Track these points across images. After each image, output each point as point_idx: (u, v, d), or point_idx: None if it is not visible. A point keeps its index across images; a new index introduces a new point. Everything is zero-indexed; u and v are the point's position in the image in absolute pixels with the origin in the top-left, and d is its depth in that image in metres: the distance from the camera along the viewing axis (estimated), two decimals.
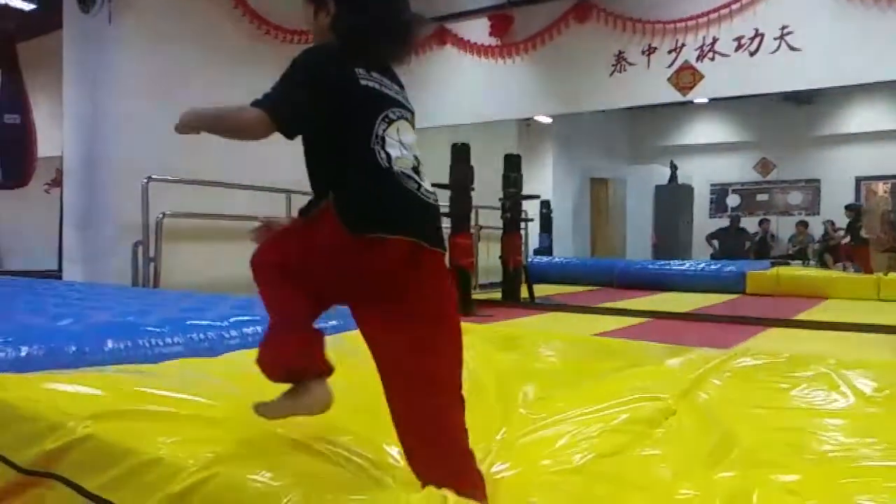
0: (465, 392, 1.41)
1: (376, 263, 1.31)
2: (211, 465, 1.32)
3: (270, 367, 1.41)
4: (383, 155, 1.34)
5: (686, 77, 6.32)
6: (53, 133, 6.55)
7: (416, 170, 1.38)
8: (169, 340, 2.46)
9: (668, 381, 2.24)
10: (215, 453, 1.36)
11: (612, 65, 6.67)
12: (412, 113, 1.49)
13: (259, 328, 2.97)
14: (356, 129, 1.36)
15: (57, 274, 6.73)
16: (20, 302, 3.30)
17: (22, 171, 6.14)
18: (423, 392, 1.34)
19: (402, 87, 1.50)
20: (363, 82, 1.39)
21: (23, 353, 2.13)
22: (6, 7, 6.82)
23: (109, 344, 2.32)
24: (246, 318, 3.02)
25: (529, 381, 2.30)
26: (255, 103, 1.34)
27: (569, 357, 2.78)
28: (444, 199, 6.53)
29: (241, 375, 1.94)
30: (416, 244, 1.32)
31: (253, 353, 1.45)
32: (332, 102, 1.36)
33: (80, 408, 1.59)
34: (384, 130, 1.37)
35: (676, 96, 6.47)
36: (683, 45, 6.32)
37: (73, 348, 2.22)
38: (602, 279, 9.34)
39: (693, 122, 13.03)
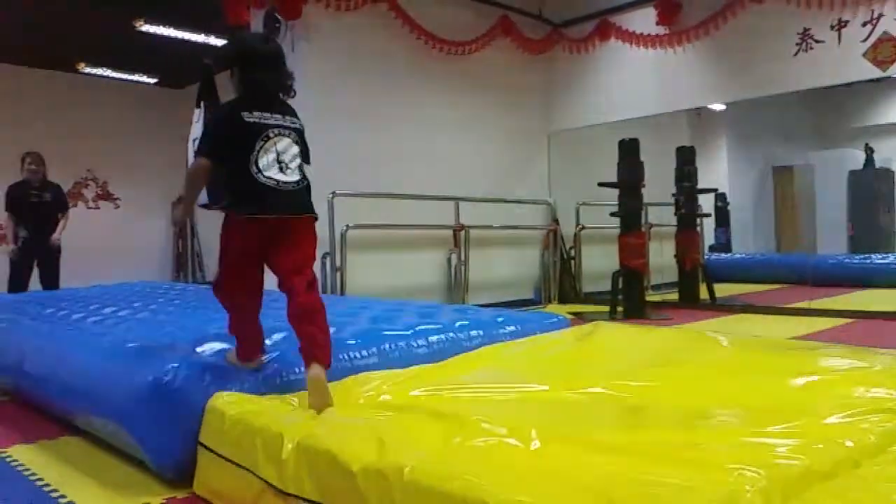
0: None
1: (258, 230, 2.19)
2: None
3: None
4: (254, 167, 2.15)
5: (886, 50, 5.68)
6: None
7: (281, 168, 2.19)
8: (365, 353, 2.58)
9: None
10: None
11: (797, 44, 6.17)
12: (295, 129, 2.30)
13: (443, 336, 3.04)
14: (243, 151, 2.16)
15: None
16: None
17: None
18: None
19: (285, 113, 2.30)
20: (247, 120, 2.18)
21: None
22: (206, 45, 7.58)
23: None
24: (430, 326, 3.10)
25: (732, 389, 2.15)
26: (196, 154, 2.27)
27: (771, 363, 2.57)
28: (612, 199, 6.37)
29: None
30: (278, 218, 2.17)
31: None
32: (229, 136, 2.18)
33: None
34: (261, 147, 2.17)
35: (874, 72, 5.85)
36: (881, 14, 5.70)
37: (276, 365, 2.42)
38: (791, 276, 8.58)
39: (889, 100, 11.67)
